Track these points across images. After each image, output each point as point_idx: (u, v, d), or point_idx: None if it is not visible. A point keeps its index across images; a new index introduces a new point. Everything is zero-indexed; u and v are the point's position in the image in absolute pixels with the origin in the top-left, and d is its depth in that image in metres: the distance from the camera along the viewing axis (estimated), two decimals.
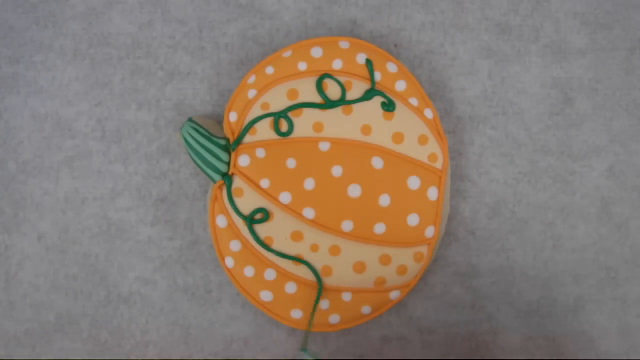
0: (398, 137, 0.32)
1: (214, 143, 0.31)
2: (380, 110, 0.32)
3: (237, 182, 0.31)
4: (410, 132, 0.32)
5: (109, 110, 0.34)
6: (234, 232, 0.31)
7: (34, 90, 0.34)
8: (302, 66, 0.32)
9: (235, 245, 0.32)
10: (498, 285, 0.34)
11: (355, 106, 0.32)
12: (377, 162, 0.31)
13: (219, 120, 0.33)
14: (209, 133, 0.32)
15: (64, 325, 0.33)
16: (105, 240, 0.33)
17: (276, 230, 0.31)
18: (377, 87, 0.32)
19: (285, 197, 0.31)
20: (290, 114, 0.31)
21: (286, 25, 0.34)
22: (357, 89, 0.32)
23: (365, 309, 0.32)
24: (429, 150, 0.32)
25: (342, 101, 0.31)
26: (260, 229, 0.31)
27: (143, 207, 0.34)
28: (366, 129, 0.31)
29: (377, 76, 0.32)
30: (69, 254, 0.34)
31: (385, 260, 0.31)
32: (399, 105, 0.32)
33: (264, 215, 0.31)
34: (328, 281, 0.31)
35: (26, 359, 0.33)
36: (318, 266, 0.31)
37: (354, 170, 0.31)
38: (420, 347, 0.33)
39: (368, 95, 0.31)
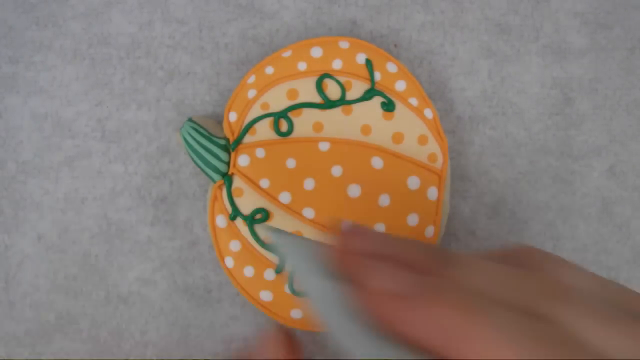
0: (398, 137, 0.31)
1: (214, 143, 0.31)
2: (380, 110, 0.32)
3: (237, 182, 0.31)
4: (410, 132, 0.32)
5: (108, 110, 0.34)
6: (234, 232, 0.31)
7: (34, 90, 0.34)
8: (302, 66, 0.32)
9: (235, 245, 0.31)
10: None
11: (355, 106, 0.32)
12: (377, 162, 0.31)
13: (219, 120, 0.33)
14: (209, 133, 0.32)
15: (64, 325, 0.33)
16: (105, 240, 0.33)
17: None
18: (377, 87, 0.32)
19: (285, 197, 0.31)
20: (290, 114, 0.31)
21: (286, 25, 0.34)
22: (357, 89, 0.32)
23: None
24: (429, 150, 0.32)
25: (342, 101, 0.31)
26: (260, 229, 0.31)
27: (143, 207, 0.34)
28: (366, 129, 0.31)
29: (377, 76, 0.32)
30: (69, 254, 0.33)
31: None
32: (398, 105, 0.32)
33: (264, 215, 0.31)
34: None
35: (26, 359, 0.33)
36: None
37: (354, 170, 0.31)
38: None
39: (368, 95, 0.31)
